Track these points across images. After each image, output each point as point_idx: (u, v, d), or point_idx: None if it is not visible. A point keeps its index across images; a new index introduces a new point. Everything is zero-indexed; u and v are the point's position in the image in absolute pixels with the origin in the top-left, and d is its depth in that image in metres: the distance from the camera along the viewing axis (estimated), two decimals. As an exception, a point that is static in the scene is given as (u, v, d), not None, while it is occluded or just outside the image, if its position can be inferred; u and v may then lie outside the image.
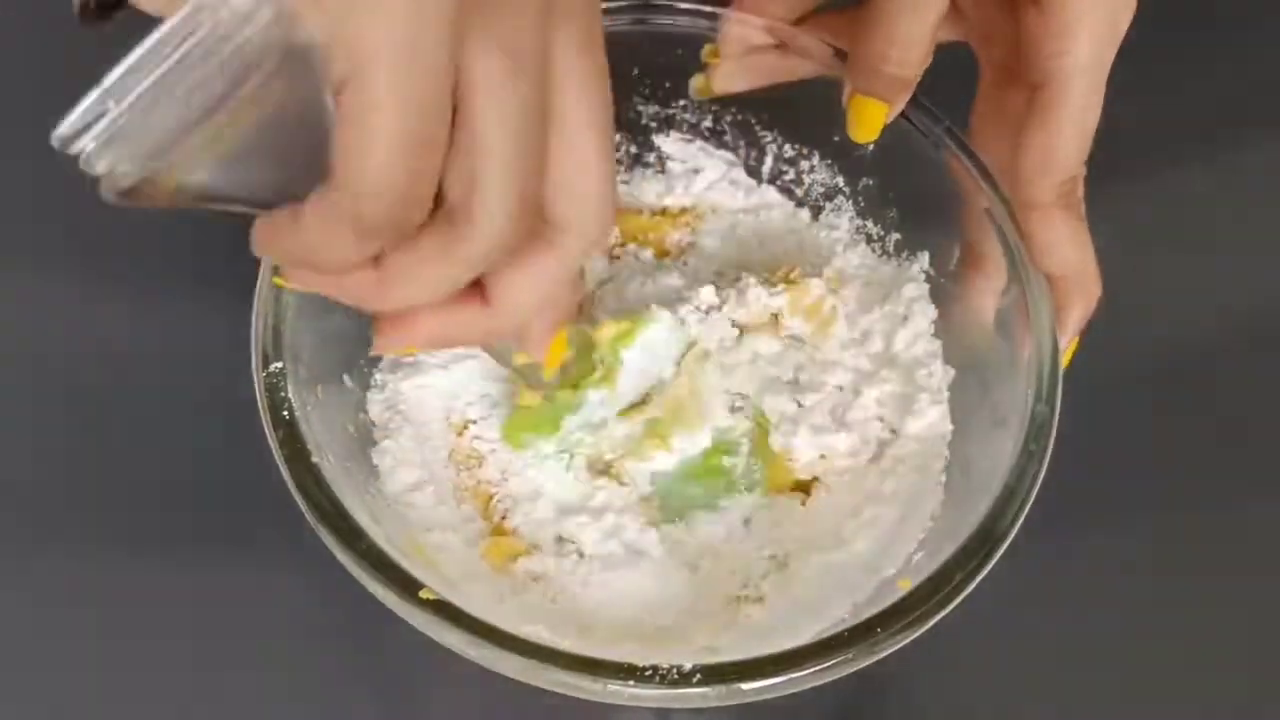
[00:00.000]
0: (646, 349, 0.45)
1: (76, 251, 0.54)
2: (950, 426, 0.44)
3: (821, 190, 0.50)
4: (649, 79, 0.49)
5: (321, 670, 0.46)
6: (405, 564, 0.36)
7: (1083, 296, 0.42)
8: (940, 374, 0.45)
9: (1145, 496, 0.50)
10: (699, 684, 0.34)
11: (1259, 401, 0.53)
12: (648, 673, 0.34)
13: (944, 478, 0.43)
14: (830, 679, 0.35)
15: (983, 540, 0.37)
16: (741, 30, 0.46)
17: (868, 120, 0.42)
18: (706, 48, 0.47)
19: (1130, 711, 0.47)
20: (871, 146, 0.46)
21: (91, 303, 0.53)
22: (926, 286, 0.47)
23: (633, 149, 0.51)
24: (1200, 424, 0.52)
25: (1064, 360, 0.42)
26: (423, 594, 0.35)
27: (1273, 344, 0.55)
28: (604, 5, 0.45)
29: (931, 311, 0.46)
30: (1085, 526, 0.49)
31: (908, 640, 0.36)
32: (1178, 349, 0.54)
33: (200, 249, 0.53)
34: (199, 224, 0.54)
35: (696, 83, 0.48)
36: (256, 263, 0.40)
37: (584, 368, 0.44)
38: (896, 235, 0.48)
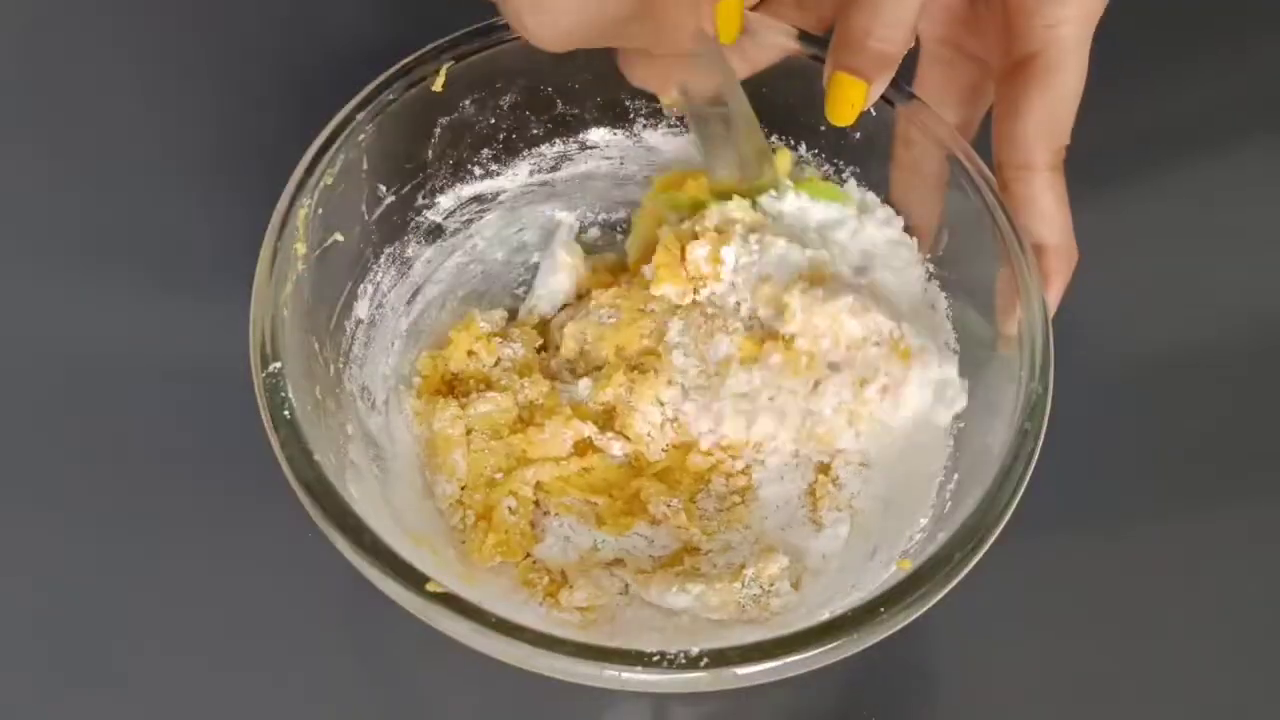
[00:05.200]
0: (808, 209, 0.46)
1: (76, 251, 0.54)
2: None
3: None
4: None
5: (320, 663, 0.46)
6: (409, 556, 0.37)
7: (1068, 262, 0.43)
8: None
9: (1145, 495, 0.51)
10: (706, 668, 0.34)
11: (1260, 400, 0.53)
12: (655, 658, 0.34)
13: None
14: (836, 659, 0.36)
15: (981, 518, 0.38)
16: None
17: (847, 99, 0.42)
18: None
19: (1130, 711, 0.47)
20: (858, 135, 0.47)
21: (91, 301, 0.53)
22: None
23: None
24: (1201, 423, 0.52)
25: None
26: (430, 587, 0.35)
27: (1273, 343, 0.55)
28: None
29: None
30: (1085, 526, 0.49)
31: (910, 619, 0.36)
32: (1178, 348, 0.54)
33: (199, 246, 0.54)
34: (198, 221, 0.55)
35: (666, 96, 0.48)
36: (253, 259, 0.40)
37: (762, 182, 0.46)
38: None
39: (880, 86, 0.42)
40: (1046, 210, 0.42)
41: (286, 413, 0.38)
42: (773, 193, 0.47)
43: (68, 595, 0.47)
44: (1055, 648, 0.48)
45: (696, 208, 0.47)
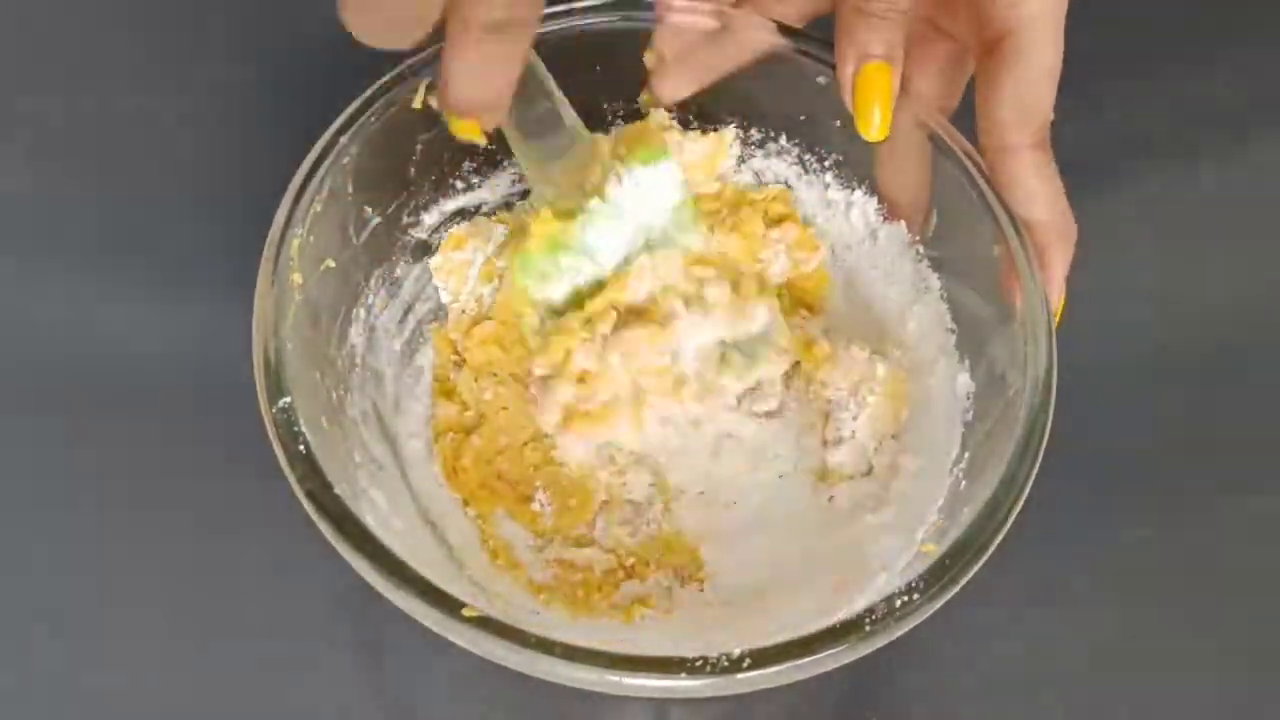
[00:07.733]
0: (645, 180, 0.44)
1: (76, 251, 0.54)
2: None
3: (793, 169, 0.50)
4: (614, 75, 0.49)
5: (320, 663, 0.46)
6: (436, 578, 0.36)
7: (1064, 239, 0.43)
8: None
9: (1144, 494, 0.51)
10: (749, 668, 0.34)
11: (1259, 399, 0.53)
12: (698, 663, 0.34)
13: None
14: (872, 649, 0.36)
15: (1002, 497, 0.38)
16: (678, 22, 0.46)
17: (876, 89, 0.42)
18: (647, 55, 0.47)
19: (1131, 711, 0.47)
20: (838, 123, 0.47)
21: (91, 302, 0.52)
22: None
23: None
24: (1200, 422, 0.52)
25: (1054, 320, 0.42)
26: (465, 612, 0.35)
27: (1272, 342, 0.55)
28: (590, 3, 0.45)
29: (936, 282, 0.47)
30: (1084, 524, 0.49)
31: (941, 602, 0.36)
32: (1177, 347, 0.54)
33: (200, 247, 0.54)
34: (197, 222, 0.54)
35: (645, 99, 0.48)
36: (256, 258, 0.40)
37: (598, 179, 0.43)
38: (873, 203, 0.49)
39: (898, 60, 0.42)
40: (1030, 188, 0.42)
41: (302, 448, 0.37)
42: (613, 178, 0.44)
43: (69, 595, 0.47)
44: (1055, 647, 0.47)
45: (555, 250, 0.44)
